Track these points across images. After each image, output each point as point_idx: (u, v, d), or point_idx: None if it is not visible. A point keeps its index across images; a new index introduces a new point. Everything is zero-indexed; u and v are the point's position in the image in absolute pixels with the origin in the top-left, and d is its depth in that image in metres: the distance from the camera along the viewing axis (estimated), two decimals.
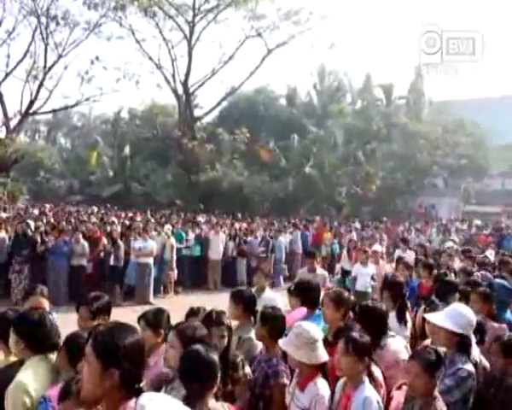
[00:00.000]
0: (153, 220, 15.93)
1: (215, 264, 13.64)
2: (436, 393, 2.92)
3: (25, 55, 26.77)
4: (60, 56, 27.41)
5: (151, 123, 34.88)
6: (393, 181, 31.77)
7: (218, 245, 13.65)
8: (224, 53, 30.78)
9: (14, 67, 26.60)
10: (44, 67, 27.07)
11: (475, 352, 3.67)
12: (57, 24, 26.78)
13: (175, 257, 12.52)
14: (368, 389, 2.92)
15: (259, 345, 3.76)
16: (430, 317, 3.67)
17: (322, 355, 3.14)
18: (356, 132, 32.20)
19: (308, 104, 36.23)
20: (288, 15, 29.69)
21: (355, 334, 3.07)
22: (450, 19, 78.85)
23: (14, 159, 24.54)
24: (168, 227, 13.32)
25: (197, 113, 33.50)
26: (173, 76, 31.05)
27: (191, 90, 31.57)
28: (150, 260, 11.58)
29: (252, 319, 4.05)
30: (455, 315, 3.45)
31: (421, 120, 33.95)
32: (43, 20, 26.62)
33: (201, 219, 17.95)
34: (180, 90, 31.33)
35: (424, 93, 34.96)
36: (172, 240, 12.56)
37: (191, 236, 13.83)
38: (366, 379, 2.97)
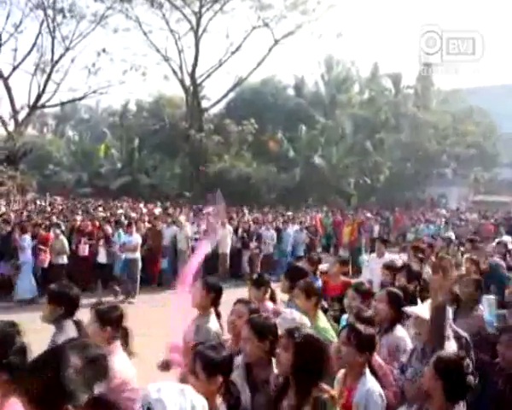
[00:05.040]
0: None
1: (224, 257, 13.65)
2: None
3: (32, 48, 26.94)
4: (67, 49, 27.52)
5: (158, 115, 34.86)
6: (402, 171, 31.63)
7: (226, 238, 13.64)
8: (231, 44, 30.70)
9: (22, 61, 26.78)
10: (52, 60, 27.20)
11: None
12: (64, 16, 26.89)
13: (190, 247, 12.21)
14: (370, 381, 2.87)
15: None
16: (412, 309, 3.50)
17: None
18: (364, 122, 32.02)
19: (316, 94, 36.00)
20: (295, 5, 29.47)
21: (359, 326, 3.00)
22: (451, 19, 77.84)
23: (22, 152, 24.67)
24: (183, 218, 13.35)
25: (204, 104, 33.42)
26: (180, 67, 31.05)
27: (198, 81, 31.50)
28: (137, 255, 11.21)
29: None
30: None
31: (430, 109, 33.71)
32: (50, 12, 26.74)
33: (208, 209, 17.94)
34: (187, 81, 31.30)
35: (432, 82, 34.61)
36: (188, 230, 12.51)
37: (201, 228, 13.83)
38: (367, 371, 2.91)
